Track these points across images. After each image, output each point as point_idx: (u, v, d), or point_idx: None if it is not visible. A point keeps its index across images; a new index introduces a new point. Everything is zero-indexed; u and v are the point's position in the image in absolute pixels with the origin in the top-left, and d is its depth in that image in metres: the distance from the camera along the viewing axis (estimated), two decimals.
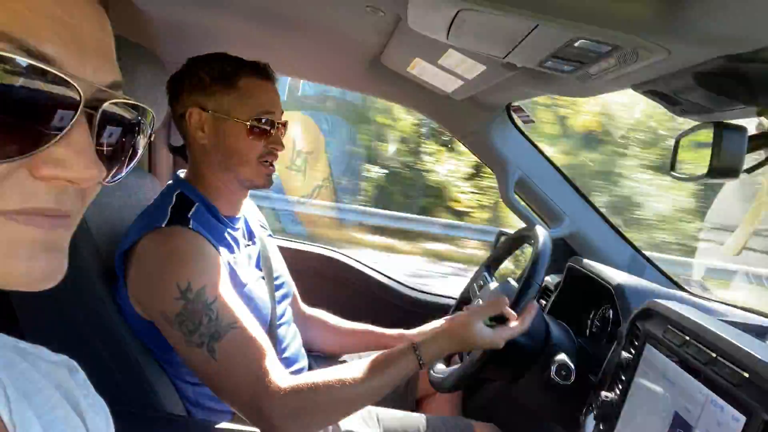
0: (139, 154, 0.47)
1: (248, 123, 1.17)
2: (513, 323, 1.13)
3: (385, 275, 2.09)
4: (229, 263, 1.14)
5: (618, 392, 1.03)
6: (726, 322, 0.95)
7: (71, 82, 0.36)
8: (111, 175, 0.43)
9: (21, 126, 0.34)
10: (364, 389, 1.03)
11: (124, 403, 1.14)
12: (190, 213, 1.14)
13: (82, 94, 0.37)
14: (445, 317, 1.52)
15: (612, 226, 1.65)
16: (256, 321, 1.08)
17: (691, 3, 0.62)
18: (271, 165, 1.24)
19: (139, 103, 0.44)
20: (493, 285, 1.37)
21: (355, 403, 1.05)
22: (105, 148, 0.42)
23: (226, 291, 1.07)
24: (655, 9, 0.65)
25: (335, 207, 7.36)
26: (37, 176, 0.36)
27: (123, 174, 0.45)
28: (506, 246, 1.50)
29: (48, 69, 0.35)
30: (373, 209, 7.34)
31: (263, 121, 1.18)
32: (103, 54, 0.41)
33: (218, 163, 1.20)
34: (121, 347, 1.14)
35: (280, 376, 1.02)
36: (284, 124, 1.25)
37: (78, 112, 0.37)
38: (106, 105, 0.40)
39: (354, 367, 1.05)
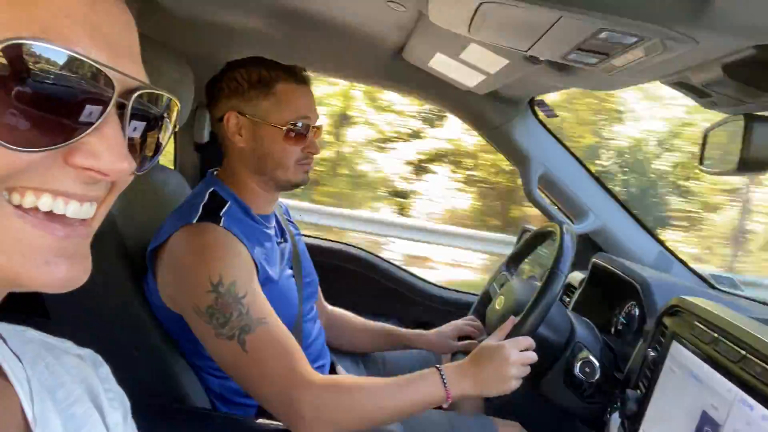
0: (163, 147, 0.48)
1: (285, 128, 1.19)
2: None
3: (406, 271, 2.09)
4: (260, 261, 1.16)
5: (644, 390, 1.01)
6: (756, 319, 0.93)
7: (107, 73, 0.37)
8: (137, 167, 0.44)
9: (57, 117, 0.36)
10: (391, 403, 1.05)
11: (149, 395, 1.16)
12: (223, 211, 1.16)
13: (115, 85, 0.38)
14: (465, 318, 1.52)
15: (638, 222, 1.62)
16: (281, 323, 1.09)
17: None
18: (308, 164, 1.26)
19: (166, 93, 0.45)
20: (517, 283, 1.36)
21: (380, 414, 1.06)
22: (133, 141, 0.43)
23: (254, 288, 1.09)
24: None
25: None
26: (71, 164, 0.38)
27: (148, 166, 0.47)
28: (529, 242, 1.48)
29: (86, 60, 0.36)
30: None
31: (299, 125, 1.20)
32: (132, 57, 0.42)
33: (255, 165, 1.23)
34: (148, 341, 1.16)
35: (311, 372, 1.03)
36: (319, 128, 1.27)
37: (111, 104, 0.38)
38: (135, 95, 0.41)
39: (385, 384, 1.07)
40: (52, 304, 1.21)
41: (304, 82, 1.25)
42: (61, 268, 0.39)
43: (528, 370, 1.12)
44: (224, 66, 1.25)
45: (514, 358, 1.09)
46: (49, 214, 0.38)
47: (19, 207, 0.37)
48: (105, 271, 1.15)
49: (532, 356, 1.12)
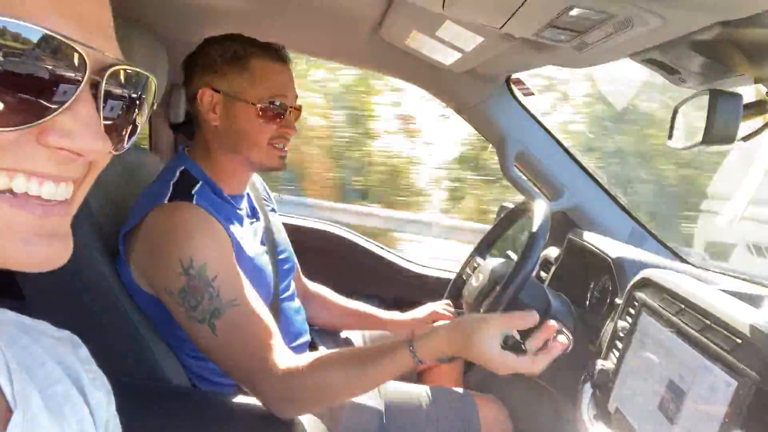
0: (139, 127, 0.47)
1: (259, 105, 1.16)
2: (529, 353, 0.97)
3: (386, 250, 2.10)
4: (235, 238, 1.15)
5: (614, 360, 1.05)
6: (721, 290, 0.96)
7: (78, 49, 0.36)
8: (114, 146, 0.43)
9: (28, 95, 0.35)
10: (358, 379, 1.03)
11: (128, 375, 1.16)
12: (194, 190, 1.14)
13: (88, 62, 0.37)
14: (441, 302, 1.53)
15: (613, 198, 1.65)
16: (259, 298, 1.09)
17: None
18: (284, 148, 1.23)
19: (141, 71, 0.44)
20: (491, 261, 1.38)
21: (348, 391, 1.06)
22: (109, 120, 0.42)
23: (228, 267, 1.08)
24: None
25: None
26: (44, 144, 0.37)
27: (126, 146, 0.46)
28: (504, 222, 1.50)
29: (56, 36, 0.35)
30: None
31: (275, 104, 1.18)
32: (105, 33, 0.41)
33: (229, 144, 1.20)
34: (125, 321, 1.16)
35: (279, 356, 1.03)
36: (298, 108, 1.24)
37: (84, 81, 0.37)
38: (109, 72, 0.40)
39: (349, 357, 1.05)
40: (27, 285, 1.20)
41: (281, 59, 1.22)
42: (40, 248, 0.38)
43: (545, 360, 0.98)
44: (201, 43, 1.22)
45: (493, 331, 0.97)
46: (24, 195, 0.37)
47: None
48: (80, 252, 1.14)
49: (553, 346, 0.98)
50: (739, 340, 0.76)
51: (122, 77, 0.42)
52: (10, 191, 0.37)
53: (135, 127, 0.46)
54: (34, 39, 0.34)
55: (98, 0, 0.41)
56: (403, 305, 1.70)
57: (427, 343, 1.01)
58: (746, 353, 0.74)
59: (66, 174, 0.39)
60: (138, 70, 0.44)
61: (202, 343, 1.06)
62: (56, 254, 0.40)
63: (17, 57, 0.34)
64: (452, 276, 1.61)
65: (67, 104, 0.36)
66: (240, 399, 1.14)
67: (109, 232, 1.19)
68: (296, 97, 1.24)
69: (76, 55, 0.36)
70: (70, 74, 0.36)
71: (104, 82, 0.40)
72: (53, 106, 0.36)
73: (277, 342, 1.05)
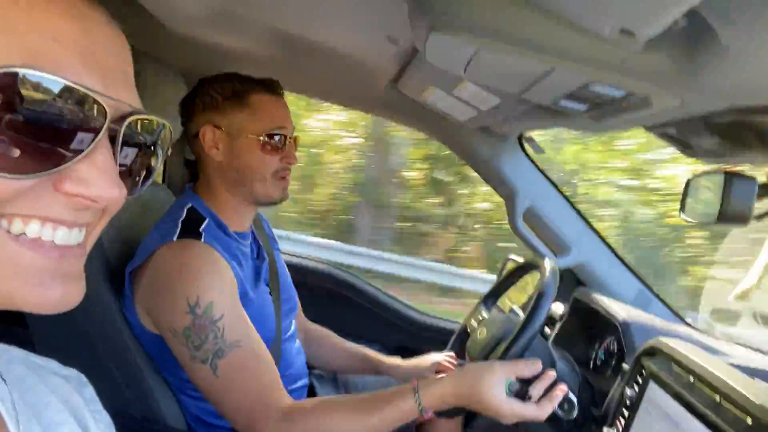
0: (154, 171, 0.48)
1: (261, 138, 1.19)
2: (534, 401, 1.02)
3: (388, 295, 2.10)
4: (240, 277, 1.16)
5: (621, 429, 1.03)
6: (731, 364, 0.95)
7: (98, 100, 0.37)
8: (129, 191, 0.44)
9: (48, 143, 0.36)
10: (360, 425, 1.02)
11: (126, 412, 1.15)
12: (202, 227, 1.15)
13: (108, 111, 0.38)
14: (443, 353, 1.52)
15: (619, 258, 1.65)
16: (261, 341, 1.09)
17: (705, 55, 0.64)
18: (286, 178, 1.25)
19: (157, 118, 0.45)
20: (496, 315, 1.37)
21: None
22: (124, 166, 0.43)
23: (233, 307, 1.08)
24: (669, 60, 0.66)
25: None
26: (61, 191, 0.37)
27: (139, 191, 0.47)
28: (510, 276, 1.50)
29: (77, 87, 0.36)
30: None
31: (276, 137, 1.21)
32: (125, 82, 0.42)
33: (233, 179, 1.22)
34: (127, 359, 1.16)
35: (279, 400, 1.03)
36: (296, 139, 1.27)
37: (104, 130, 0.38)
38: (127, 122, 0.41)
39: (352, 403, 1.05)
40: (33, 319, 1.20)
41: (278, 93, 1.26)
42: (56, 290, 0.39)
43: (550, 407, 1.01)
44: (196, 83, 1.26)
45: (498, 378, 1.00)
46: (39, 240, 0.38)
47: (8, 233, 0.37)
48: (89, 286, 1.14)
49: (554, 394, 1.01)
50: (750, 421, 0.75)
51: (139, 125, 0.43)
52: (23, 235, 0.37)
53: (149, 172, 0.47)
54: (56, 89, 0.35)
55: (120, 48, 0.42)
56: (404, 353, 1.68)
57: (433, 391, 1.02)
58: None
59: (81, 220, 0.40)
60: (154, 118, 0.45)
61: (202, 384, 1.05)
62: (70, 296, 0.40)
63: (38, 108, 0.35)
64: (455, 326, 1.60)
65: (85, 152, 0.37)
66: None
67: (117, 267, 1.20)
68: (293, 128, 1.27)
69: (96, 106, 0.37)
70: (90, 123, 0.37)
71: (122, 131, 0.41)
72: (70, 154, 0.37)
73: (277, 385, 1.05)
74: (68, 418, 0.51)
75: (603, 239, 1.65)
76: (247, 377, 1.03)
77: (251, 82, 1.23)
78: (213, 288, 1.06)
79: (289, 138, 1.24)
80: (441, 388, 1.03)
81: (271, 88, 1.25)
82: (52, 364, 0.55)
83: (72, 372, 0.56)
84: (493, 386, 0.98)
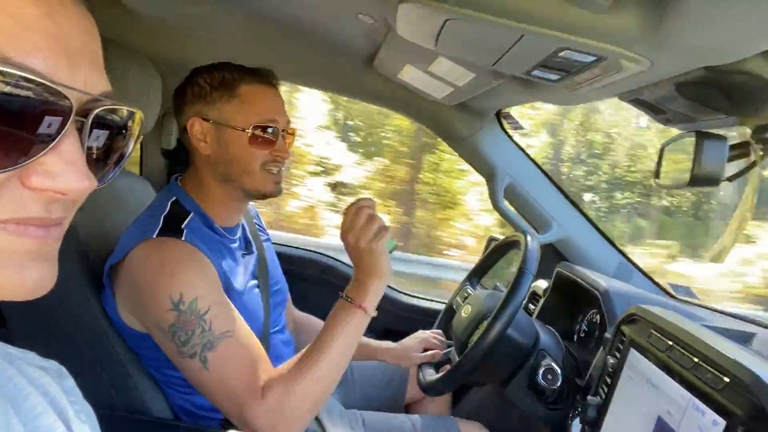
0: (126, 157, 0.47)
1: (249, 131, 1.14)
2: None
3: None
4: (224, 273, 1.13)
5: (603, 396, 1.04)
6: (709, 327, 0.97)
7: (62, 92, 0.36)
8: (99, 178, 0.43)
9: (12, 137, 0.34)
10: (330, 360, 1.05)
11: (111, 406, 1.14)
12: (184, 224, 1.12)
13: (73, 103, 0.37)
14: (431, 331, 1.53)
15: (600, 232, 1.66)
16: (247, 326, 1.08)
17: (672, 16, 0.64)
18: (278, 172, 1.20)
19: (127, 107, 0.44)
20: (480, 293, 1.38)
21: (328, 378, 1.06)
22: (94, 152, 0.42)
23: (219, 300, 1.06)
24: (636, 22, 0.66)
25: None
26: (28, 186, 0.36)
27: (110, 177, 0.45)
28: (493, 252, 1.51)
29: (39, 80, 0.35)
30: None
31: (267, 129, 1.16)
32: (93, 65, 0.41)
33: (221, 173, 1.18)
34: (109, 351, 1.14)
35: (267, 381, 1.02)
36: (292, 132, 1.22)
37: (69, 122, 0.37)
38: (94, 113, 0.39)
39: (313, 348, 1.06)
40: (11, 315, 1.18)
41: (271, 84, 1.20)
42: (33, 273, 0.38)
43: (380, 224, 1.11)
44: (189, 73, 1.22)
45: (363, 232, 1.09)
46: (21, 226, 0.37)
47: None
48: (65, 281, 1.12)
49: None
50: (727, 379, 0.76)
51: (109, 110, 0.42)
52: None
53: (121, 157, 0.46)
54: (19, 80, 0.34)
55: (88, 33, 0.41)
56: (393, 335, 1.69)
57: (356, 289, 1.11)
58: (734, 393, 0.74)
59: (54, 216, 0.39)
60: (124, 107, 0.43)
61: (192, 377, 1.04)
62: (46, 279, 0.39)
63: (1, 98, 0.33)
64: (442, 306, 1.61)
65: (51, 145, 0.36)
66: None
67: (95, 260, 1.18)
68: (288, 121, 1.22)
69: (61, 97, 0.36)
70: (55, 115, 0.36)
71: (89, 122, 0.39)
72: (37, 147, 0.35)
73: (267, 366, 1.04)
74: (48, 408, 0.50)
75: (583, 213, 1.67)
76: (237, 365, 1.02)
77: (242, 71, 1.17)
78: (196, 283, 1.04)
79: (282, 131, 1.19)
80: (357, 283, 1.11)
81: (264, 77, 1.19)
82: (30, 356, 0.53)
83: (51, 363, 0.55)
84: (381, 255, 1.11)
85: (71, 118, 0.37)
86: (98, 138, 0.42)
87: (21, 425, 0.46)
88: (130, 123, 0.45)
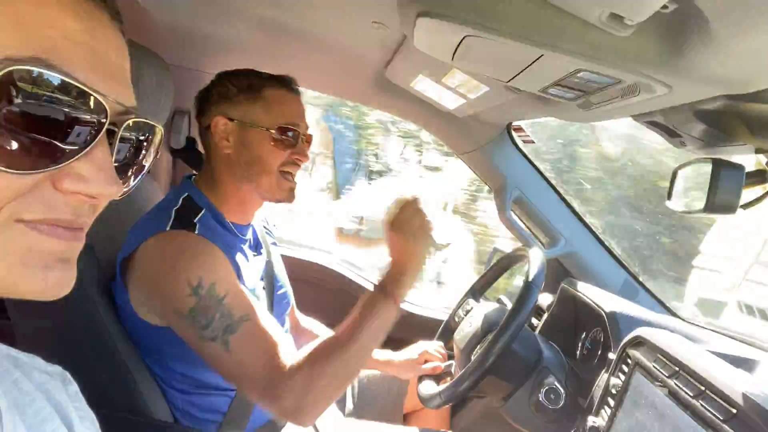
0: (145, 170, 0.49)
1: (272, 131, 1.18)
2: None
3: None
4: (237, 267, 1.14)
5: (606, 418, 1.03)
6: (716, 353, 0.96)
7: (101, 100, 0.38)
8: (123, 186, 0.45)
9: (48, 140, 0.36)
10: (359, 346, 1.06)
11: (111, 407, 1.13)
12: (197, 218, 1.14)
13: (108, 111, 0.39)
14: (432, 342, 1.52)
15: (607, 249, 1.66)
16: (269, 314, 1.08)
17: (695, 44, 0.63)
18: (293, 178, 1.24)
19: (152, 122, 0.46)
20: (484, 306, 1.38)
21: (356, 363, 1.08)
22: (119, 163, 0.44)
23: (235, 284, 1.08)
24: (658, 48, 0.66)
25: None
26: (60, 189, 0.38)
27: (131, 187, 0.47)
28: (498, 267, 1.50)
29: (80, 86, 0.37)
30: None
31: (288, 132, 1.19)
32: (124, 82, 0.43)
33: (240, 172, 1.20)
34: (111, 351, 1.14)
35: (288, 360, 1.03)
36: (309, 138, 1.26)
37: (103, 130, 0.39)
38: (126, 123, 0.42)
39: (340, 335, 1.07)
40: (14, 308, 1.18)
41: (294, 91, 1.24)
42: (57, 273, 0.40)
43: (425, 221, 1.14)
44: (215, 76, 1.25)
45: (409, 225, 1.12)
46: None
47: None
48: None
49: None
50: (734, 410, 0.75)
51: (134, 125, 0.44)
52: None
53: (141, 168, 0.48)
54: (62, 86, 0.36)
55: (121, 50, 0.43)
56: (393, 344, 1.68)
57: (391, 280, 1.12)
58: (742, 424, 0.73)
59: (80, 220, 0.41)
60: (150, 121, 0.46)
61: (213, 361, 1.04)
62: (68, 281, 0.41)
63: (41, 102, 0.35)
64: (444, 317, 1.60)
65: (85, 150, 0.38)
66: None
67: (102, 258, 1.17)
68: (307, 127, 1.25)
69: (98, 106, 0.38)
70: (91, 122, 0.38)
71: (121, 131, 0.42)
72: (70, 152, 0.37)
73: (285, 347, 1.05)
74: (52, 414, 0.50)
75: (590, 230, 1.66)
76: (259, 347, 1.03)
77: (267, 76, 1.22)
78: (212, 269, 1.06)
79: (302, 135, 1.23)
80: (392, 274, 1.13)
81: (287, 84, 1.23)
82: (36, 361, 0.54)
83: (56, 369, 0.56)
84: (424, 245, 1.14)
85: (105, 126, 0.39)
86: (120, 151, 0.44)
87: (26, 429, 0.46)
88: (151, 137, 0.48)
